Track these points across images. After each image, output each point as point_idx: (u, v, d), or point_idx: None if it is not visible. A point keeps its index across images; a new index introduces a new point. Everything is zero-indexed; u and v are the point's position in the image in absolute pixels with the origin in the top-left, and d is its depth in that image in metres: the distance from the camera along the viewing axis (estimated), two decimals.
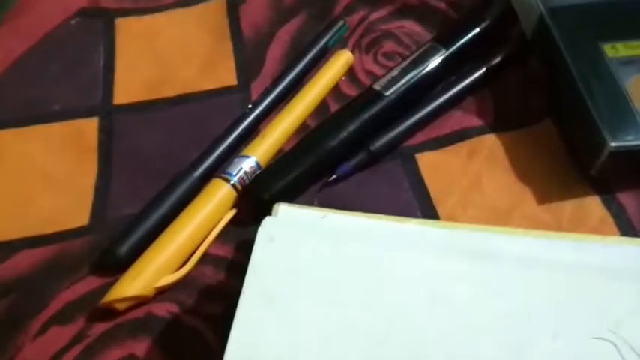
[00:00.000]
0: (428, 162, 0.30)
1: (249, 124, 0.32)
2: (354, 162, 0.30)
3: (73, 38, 0.38)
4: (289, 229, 0.24)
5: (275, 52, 0.36)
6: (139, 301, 0.26)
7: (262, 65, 0.36)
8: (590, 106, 0.28)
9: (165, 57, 0.36)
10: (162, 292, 0.27)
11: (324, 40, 0.35)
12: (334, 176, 0.30)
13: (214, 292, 0.27)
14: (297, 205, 0.27)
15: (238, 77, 0.35)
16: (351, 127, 0.30)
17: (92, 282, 0.27)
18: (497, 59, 0.32)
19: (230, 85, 0.35)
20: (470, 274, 0.23)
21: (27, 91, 0.35)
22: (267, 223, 0.23)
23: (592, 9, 0.31)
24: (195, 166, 0.30)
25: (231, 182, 0.29)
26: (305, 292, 0.21)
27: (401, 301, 0.22)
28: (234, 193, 0.29)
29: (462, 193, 0.29)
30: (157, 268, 0.26)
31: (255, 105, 0.33)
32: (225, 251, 0.28)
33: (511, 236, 0.26)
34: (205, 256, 0.28)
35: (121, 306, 0.26)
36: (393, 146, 0.31)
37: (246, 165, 0.29)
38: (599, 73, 0.29)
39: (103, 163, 0.31)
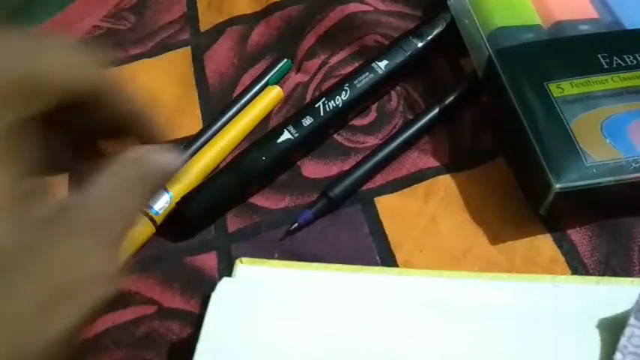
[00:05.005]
0: (386, 205, 0.31)
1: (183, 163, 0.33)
2: (314, 209, 0.31)
3: None
4: (243, 292, 0.25)
5: None
6: None
7: None
8: (536, 147, 0.29)
9: None
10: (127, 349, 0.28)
11: (266, 78, 0.37)
12: (296, 224, 0.31)
13: (181, 348, 0.28)
14: (257, 261, 0.28)
15: (204, 124, 0.36)
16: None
17: None
18: (451, 99, 0.33)
19: (196, 132, 0.36)
20: (422, 324, 0.24)
21: None
22: (221, 286, 0.24)
23: (538, 48, 0.32)
24: None
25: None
26: (259, 357, 0.22)
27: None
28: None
29: (418, 235, 0.30)
30: None
31: (189, 144, 0.35)
32: (191, 306, 0.29)
33: (464, 281, 0.27)
34: (172, 311, 0.29)
35: None
36: (351, 191, 0.32)
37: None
38: (545, 113, 0.29)
39: None
